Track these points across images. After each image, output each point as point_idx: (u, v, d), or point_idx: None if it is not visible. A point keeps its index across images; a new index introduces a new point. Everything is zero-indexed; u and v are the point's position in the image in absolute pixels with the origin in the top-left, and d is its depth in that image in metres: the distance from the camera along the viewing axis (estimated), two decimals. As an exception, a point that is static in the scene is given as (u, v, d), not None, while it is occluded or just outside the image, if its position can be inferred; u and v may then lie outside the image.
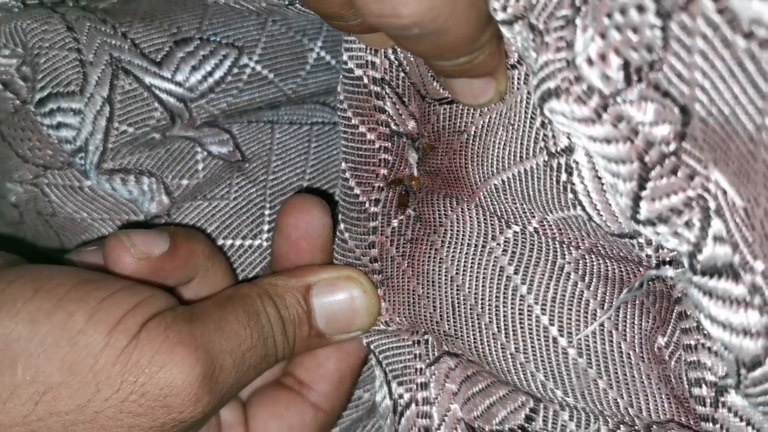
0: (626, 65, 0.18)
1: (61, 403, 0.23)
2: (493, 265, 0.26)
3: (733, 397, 0.22)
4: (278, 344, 0.28)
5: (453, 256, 0.26)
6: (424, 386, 0.28)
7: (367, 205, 0.29)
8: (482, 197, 0.26)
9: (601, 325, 0.24)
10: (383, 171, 0.29)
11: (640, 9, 0.17)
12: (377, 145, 0.28)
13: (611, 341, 0.24)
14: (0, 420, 0.23)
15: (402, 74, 0.27)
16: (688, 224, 0.20)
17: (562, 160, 0.23)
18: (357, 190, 0.29)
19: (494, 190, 0.26)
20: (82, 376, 0.23)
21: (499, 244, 0.26)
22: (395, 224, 0.29)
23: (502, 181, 0.25)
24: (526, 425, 0.26)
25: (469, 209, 0.27)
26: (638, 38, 0.18)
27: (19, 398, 0.23)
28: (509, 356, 0.26)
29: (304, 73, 0.36)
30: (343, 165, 0.29)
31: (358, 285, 0.29)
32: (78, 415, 0.23)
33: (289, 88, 0.35)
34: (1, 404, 0.23)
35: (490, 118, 0.25)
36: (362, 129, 0.28)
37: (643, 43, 0.18)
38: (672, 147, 0.19)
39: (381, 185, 0.29)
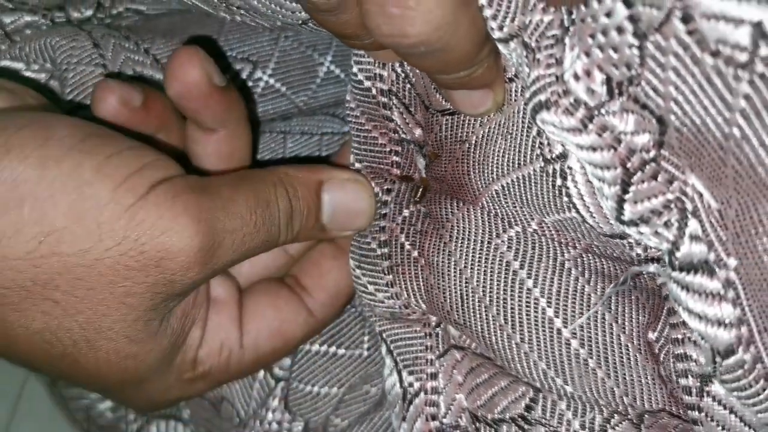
0: (608, 80, 0.20)
1: (63, 245, 0.24)
2: (500, 260, 0.27)
3: (716, 387, 0.23)
4: (282, 231, 0.29)
5: (461, 250, 0.28)
6: (434, 376, 0.30)
7: (380, 195, 0.31)
8: (485, 202, 0.28)
9: (603, 317, 0.26)
10: (396, 171, 0.30)
11: (620, 30, 0.19)
12: (388, 149, 0.30)
13: (611, 333, 0.26)
14: (5, 252, 0.24)
15: (408, 85, 0.29)
16: (667, 224, 0.21)
17: (557, 166, 0.25)
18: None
19: (495, 195, 0.27)
20: (85, 225, 0.24)
21: (503, 241, 0.27)
22: (406, 214, 0.30)
23: (502, 186, 0.27)
24: (526, 414, 0.28)
25: (474, 209, 0.28)
26: (618, 56, 0.20)
27: (23, 236, 0.24)
28: (514, 346, 0.27)
29: (315, 86, 0.37)
30: (357, 165, 0.31)
31: (366, 189, 0.31)
32: (79, 259, 0.25)
33: (301, 100, 0.37)
34: (6, 239, 0.24)
35: (489, 128, 0.27)
36: (374, 134, 0.30)
37: (622, 61, 0.20)
38: (652, 154, 0.21)
39: (394, 179, 0.31)
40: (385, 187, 0.31)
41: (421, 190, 0.30)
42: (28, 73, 0.35)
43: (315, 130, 0.37)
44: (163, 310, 0.27)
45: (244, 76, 0.36)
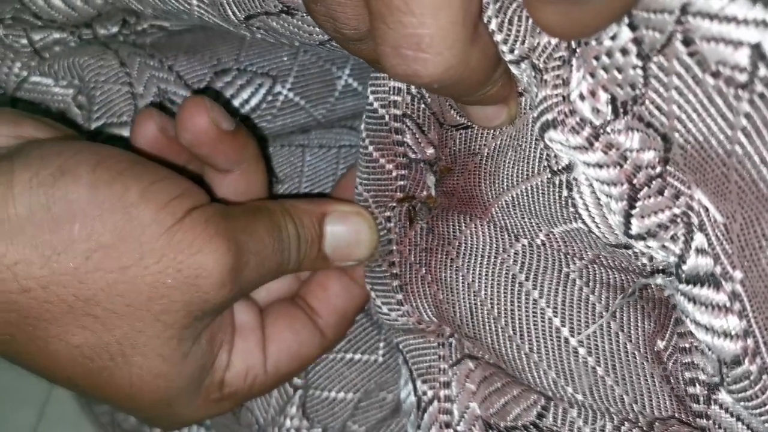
0: (613, 100, 0.21)
1: (108, 262, 0.26)
2: (506, 273, 0.28)
3: (723, 395, 0.24)
4: (291, 258, 0.31)
5: (468, 266, 0.29)
6: (447, 385, 0.31)
7: (383, 222, 0.32)
8: (494, 213, 0.29)
9: (609, 326, 0.26)
10: (399, 195, 0.31)
11: (624, 52, 0.20)
12: (394, 174, 0.31)
13: (618, 341, 0.26)
14: (54, 268, 0.26)
15: (423, 105, 0.30)
16: (673, 238, 0.22)
17: (563, 177, 0.25)
18: (373, 208, 0.32)
19: (505, 206, 0.28)
20: (129, 243, 0.26)
21: (509, 255, 0.28)
22: (411, 235, 0.31)
23: (512, 197, 0.28)
24: (538, 422, 0.28)
25: (482, 225, 0.29)
26: (622, 77, 0.20)
27: (73, 252, 0.26)
28: (524, 356, 0.28)
29: (333, 99, 0.38)
30: (360, 188, 0.32)
31: (367, 222, 0.32)
32: (120, 275, 0.26)
33: (319, 113, 0.38)
34: (56, 254, 0.26)
35: (501, 140, 0.28)
36: (382, 161, 0.31)
37: (627, 81, 0.20)
38: (658, 170, 0.21)
39: (393, 204, 0.31)
40: (386, 215, 0.32)
41: (420, 205, 0.31)
42: (56, 89, 0.36)
43: (333, 143, 0.38)
44: (194, 330, 0.29)
45: (264, 90, 0.37)
